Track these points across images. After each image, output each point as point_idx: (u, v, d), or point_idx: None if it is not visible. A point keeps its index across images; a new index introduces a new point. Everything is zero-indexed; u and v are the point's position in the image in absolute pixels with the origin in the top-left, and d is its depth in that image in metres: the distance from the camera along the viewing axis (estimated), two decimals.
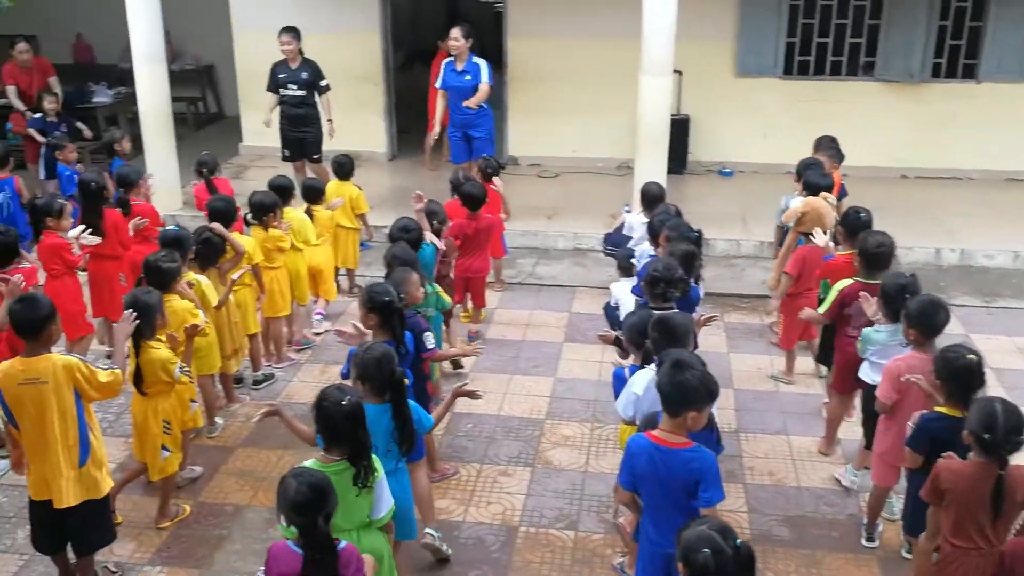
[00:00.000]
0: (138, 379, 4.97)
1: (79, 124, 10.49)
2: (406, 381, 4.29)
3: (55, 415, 4.30)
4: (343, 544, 3.48)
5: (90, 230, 6.46)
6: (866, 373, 5.28)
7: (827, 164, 7.27)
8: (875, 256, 5.42)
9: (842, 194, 7.34)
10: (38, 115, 10.18)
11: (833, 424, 5.90)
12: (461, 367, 6.88)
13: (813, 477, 5.70)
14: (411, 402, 4.42)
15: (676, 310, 4.98)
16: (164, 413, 5.07)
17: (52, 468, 4.37)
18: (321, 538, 3.35)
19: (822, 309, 5.62)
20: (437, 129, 9.39)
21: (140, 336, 4.91)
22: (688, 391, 3.70)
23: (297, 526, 3.36)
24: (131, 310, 4.82)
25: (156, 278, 5.38)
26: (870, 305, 5.14)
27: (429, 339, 5.13)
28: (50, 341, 4.39)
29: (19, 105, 10.54)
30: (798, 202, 6.77)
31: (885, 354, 5.06)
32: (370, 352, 4.18)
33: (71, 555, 4.67)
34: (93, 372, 4.36)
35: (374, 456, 3.88)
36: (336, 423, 3.73)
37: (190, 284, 5.71)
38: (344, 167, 8.21)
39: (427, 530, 4.87)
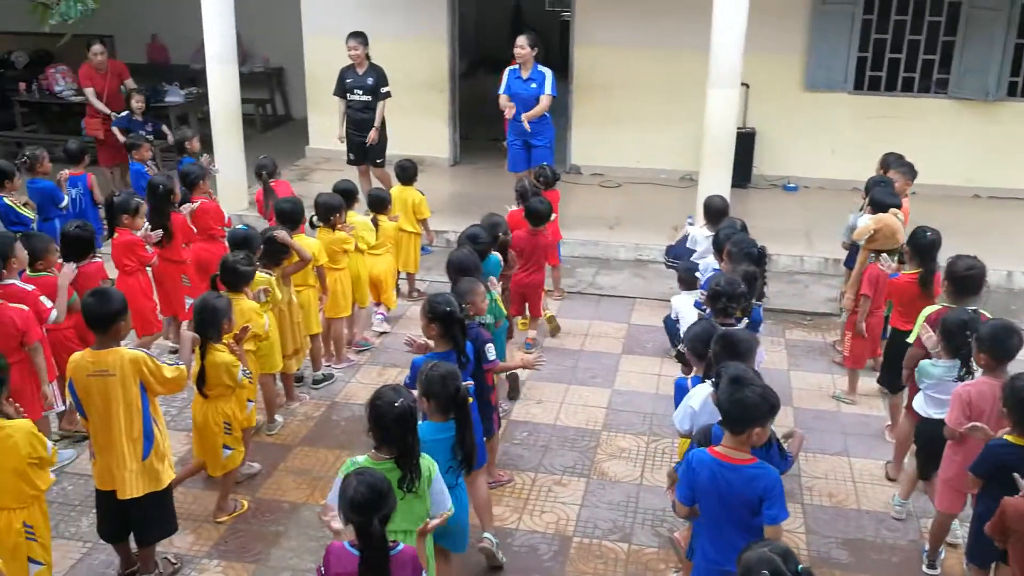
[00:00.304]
0: (201, 380, 5.06)
1: (163, 127, 10.58)
2: (471, 399, 4.30)
3: (120, 407, 4.39)
4: (400, 547, 3.50)
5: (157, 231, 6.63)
6: (920, 406, 5.18)
7: (899, 182, 7.13)
8: (964, 280, 5.26)
9: None
10: (124, 113, 10.32)
11: (902, 448, 5.78)
12: (517, 393, 6.77)
13: (874, 500, 5.59)
14: (477, 423, 4.45)
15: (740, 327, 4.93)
16: (223, 415, 5.15)
17: (116, 459, 4.47)
18: (376, 539, 3.37)
19: (911, 339, 5.47)
20: (509, 105, 9.16)
21: (207, 339, 5.00)
22: (750, 408, 3.67)
23: (354, 525, 3.38)
24: (200, 314, 4.95)
25: (230, 278, 5.49)
26: (930, 338, 5.04)
27: (491, 350, 5.12)
28: (119, 335, 4.50)
29: (102, 107, 10.62)
30: (867, 219, 6.65)
31: (941, 388, 4.97)
32: (435, 369, 4.17)
33: (133, 545, 4.76)
34: (159, 367, 4.45)
35: (426, 458, 3.89)
36: (386, 423, 3.75)
37: (266, 291, 5.78)
38: (407, 171, 8.28)
39: (486, 534, 4.89)
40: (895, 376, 6.10)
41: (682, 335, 6.93)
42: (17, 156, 7.96)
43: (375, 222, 7.43)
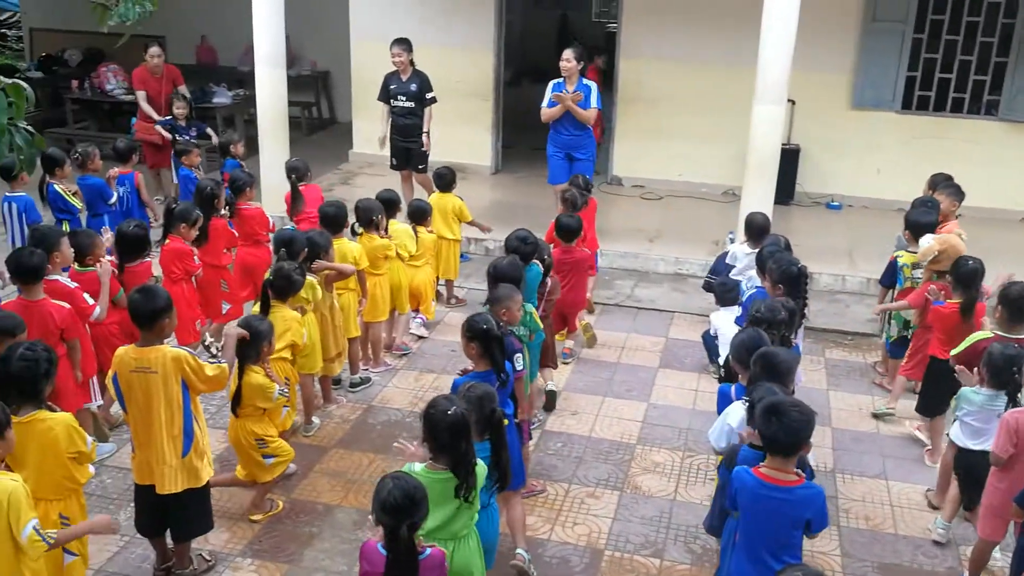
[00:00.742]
0: (236, 400, 5.11)
1: (208, 129, 10.68)
2: (506, 422, 4.31)
3: (161, 404, 4.45)
4: (428, 551, 3.51)
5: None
6: (956, 435, 5.12)
7: (946, 203, 7.04)
8: (1019, 304, 5.22)
9: None
10: (168, 118, 10.38)
11: (946, 476, 5.68)
12: (552, 405, 6.74)
13: (912, 525, 5.51)
14: (513, 445, 4.45)
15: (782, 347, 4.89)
16: (254, 433, 5.18)
17: (156, 454, 4.53)
18: (403, 543, 3.38)
19: (953, 352, 5.43)
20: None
21: (245, 359, 5.04)
22: (798, 432, 3.73)
23: (383, 527, 3.41)
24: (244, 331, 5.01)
25: (283, 284, 5.54)
26: (970, 377, 4.99)
27: (519, 360, 5.08)
28: (163, 333, 4.56)
29: (151, 112, 10.56)
30: (931, 239, 6.55)
31: (980, 417, 4.90)
32: (472, 391, 4.18)
33: (169, 541, 4.82)
34: (201, 366, 4.50)
35: (482, 464, 3.90)
36: (439, 432, 3.77)
37: (302, 310, 5.82)
38: (444, 179, 8.29)
39: (519, 551, 4.88)
40: (933, 403, 6.05)
41: (721, 351, 6.95)
42: (69, 152, 8.11)
43: (414, 232, 7.47)
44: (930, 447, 6.21)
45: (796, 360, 4.69)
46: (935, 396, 6.05)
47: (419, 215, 7.62)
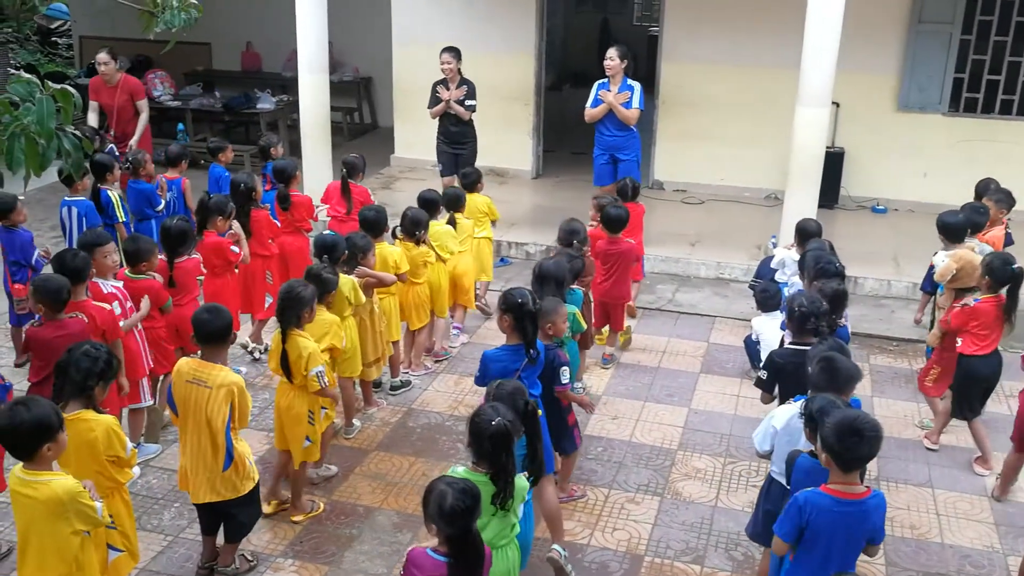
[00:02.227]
0: (284, 365, 5.12)
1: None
2: (540, 412, 4.31)
3: (208, 419, 4.53)
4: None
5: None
6: None
7: (993, 210, 6.91)
8: None
9: (1007, 242, 6.97)
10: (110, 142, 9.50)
11: (1010, 473, 5.69)
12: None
13: (959, 535, 5.42)
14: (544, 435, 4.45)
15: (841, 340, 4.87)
16: (310, 403, 5.23)
17: (193, 464, 4.64)
18: (474, 545, 3.41)
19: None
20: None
21: (287, 323, 5.08)
22: (874, 450, 3.78)
23: (450, 534, 3.39)
24: (283, 299, 5.06)
25: (315, 285, 5.54)
26: None
27: (564, 374, 5.07)
28: (225, 349, 4.69)
29: (92, 123, 9.53)
30: (944, 257, 6.42)
31: None
32: (502, 388, 4.20)
33: (220, 539, 4.89)
34: (245, 403, 4.61)
35: (521, 477, 3.92)
36: (481, 440, 3.79)
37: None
38: (469, 177, 8.20)
39: (555, 547, 4.87)
40: (969, 404, 6.00)
41: (762, 357, 6.89)
42: (115, 157, 8.26)
43: (452, 221, 7.49)
44: (980, 454, 6.10)
45: (860, 372, 4.61)
46: (970, 396, 5.99)
47: (455, 202, 7.62)
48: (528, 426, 4.17)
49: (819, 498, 3.76)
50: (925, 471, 6.06)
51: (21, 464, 3.79)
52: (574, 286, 6.11)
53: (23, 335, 5.65)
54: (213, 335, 4.59)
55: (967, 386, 6.02)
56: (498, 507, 3.79)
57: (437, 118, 9.59)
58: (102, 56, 9.54)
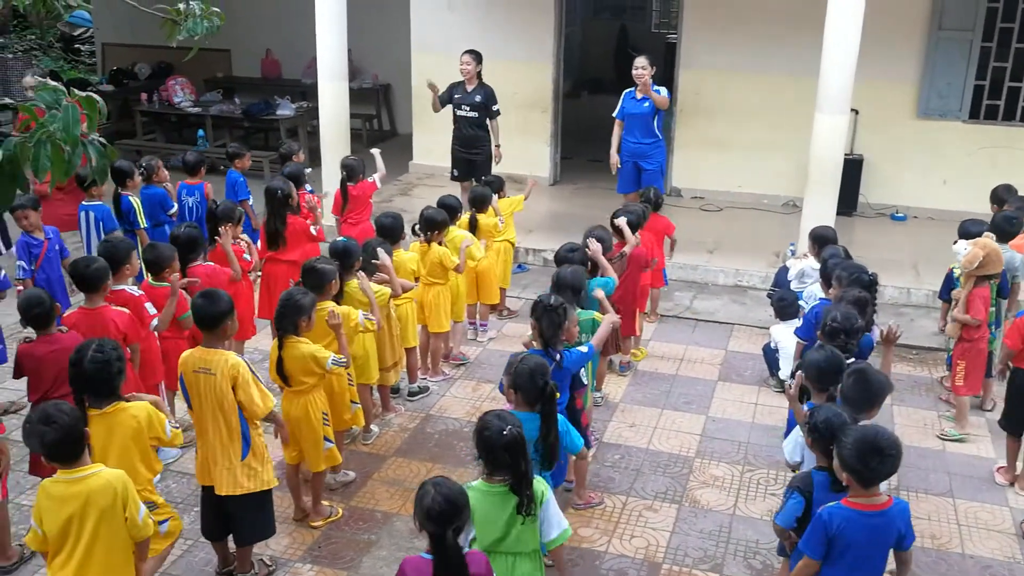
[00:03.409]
0: (280, 371, 5.11)
1: None
2: (558, 395, 4.32)
3: (219, 406, 4.55)
4: (467, 548, 3.53)
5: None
6: None
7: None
8: None
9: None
10: None
11: None
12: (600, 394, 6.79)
13: (980, 545, 5.38)
14: (562, 418, 4.45)
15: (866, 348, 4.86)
16: (323, 405, 5.24)
17: (212, 455, 4.64)
18: (451, 549, 3.39)
19: None
20: (617, 159, 9.32)
21: (284, 331, 5.06)
22: (890, 471, 3.78)
23: (428, 534, 3.41)
24: (282, 306, 5.05)
25: (313, 279, 5.51)
26: None
27: (581, 375, 5.12)
28: (225, 335, 4.70)
29: None
30: (965, 245, 6.38)
31: None
32: (524, 363, 4.26)
33: (231, 545, 4.90)
34: (251, 383, 4.57)
35: (539, 479, 3.90)
36: (495, 452, 3.77)
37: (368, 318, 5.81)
38: (494, 185, 8.16)
39: None
40: (1016, 419, 5.89)
41: (781, 365, 6.87)
42: (136, 164, 8.33)
43: (474, 219, 7.49)
44: (1003, 464, 6.05)
45: (891, 386, 4.60)
46: (1016, 411, 5.91)
47: (480, 202, 7.65)
48: (545, 407, 4.21)
49: (843, 511, 3.76)
50: (946, 481, 6.02)
51: (58, 474, 3.79)
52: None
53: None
54: (210, 320, 4.59)
55: (1018, 400, 5.87)
56: (525, 515, 3.77)
57: (453, 122, 9.64)
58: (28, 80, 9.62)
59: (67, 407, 3.79)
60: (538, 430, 4.25)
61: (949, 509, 5.72)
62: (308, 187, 8.08)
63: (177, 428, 4.45)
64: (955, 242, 6.61)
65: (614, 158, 9.33)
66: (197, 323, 4.68)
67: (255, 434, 4.68)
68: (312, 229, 7.21)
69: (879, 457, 3.66)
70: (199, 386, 4.57)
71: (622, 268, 6.79)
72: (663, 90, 9.07)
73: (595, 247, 6.20)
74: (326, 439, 5.26)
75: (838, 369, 4.57)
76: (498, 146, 9.64)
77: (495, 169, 9.69)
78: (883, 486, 4.27)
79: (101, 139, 2.78)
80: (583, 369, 5.21)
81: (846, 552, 3.76)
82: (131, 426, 4.19)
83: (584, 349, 5.10)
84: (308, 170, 8.39)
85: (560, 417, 4.44)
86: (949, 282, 6.79)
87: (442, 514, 3.36)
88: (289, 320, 5.04)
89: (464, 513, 3.43)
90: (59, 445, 3.70)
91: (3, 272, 6.74)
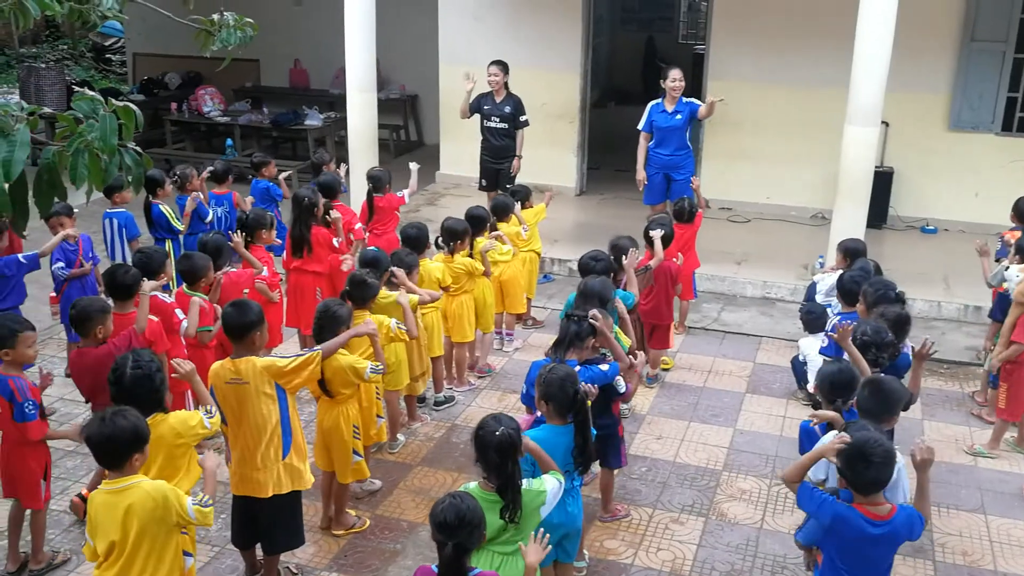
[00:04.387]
0: (323, 383, 5.15)
1: None
2: (589, 401, 4.31)
3: (256, 413, 4.57)
4: (476, 571, 3.52)
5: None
6: None
7: None
8: None
9: None
10: None
11: None
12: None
13: (1012, 563, 5.30)
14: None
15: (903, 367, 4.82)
16: (355, 418, 5.26)
17: (251, 462, 4.65)
18: (447, 562, 3.39)
19: None
20: (644, 175, 9.31)
21: (322, 342, 5.04)
22: (879, 481, 3.77)
23: (436, 543, 3.43)
24: (319, 319, 5.08)
25: (358, 292, 5.59)
26: None
27: (620, 383, 5.08)
28: (255, 345, 4.69)
29: None
30: (1016, 272, 6.30)
31: None
32: (554, 373, 4.26)
33: (259, 553, 4.91)
34: (283, 364, 4.58)
35: (530, 492, 3.87)
36: (486, 452, 3.78)
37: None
38: (519, 194, 8.19)
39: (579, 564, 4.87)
40: None
41: (810, 378, 6.82)
42: (168, 172, 8.41)
43: (495, 229, 7.49)
44: None
45: (908, 393, 4.57)
46: None
47: (501, 211, 7.66)
48: (577, 415, 4.20)
49: (845, 508, 3.77)
50: (977, 497, 5.94)
51: (103, 484, 3.83)
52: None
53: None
54: (238, 329, 4.61)
55: None
56: (507, 521, 3.76)
57: (481, 133, 9.66)
58: None
59: (132, 414, 3.82)
60: (573, 441, 4.24)
61: (981, 525, 5.65)
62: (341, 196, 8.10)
63: (214, 416, 4.41)
64: (1007, 267, 6.52)
65: (641, 174, 9.29)
66: (227, 333, 4.70)
67: (297, 432, 4.68)
68: (335, 241, 7.24)
69: (865, 463, 3.67)
70: (233, 397, 4.59)
71: (648, 281, 6.77)
72: (696, 101, 9.07)
73: (631, 258, 6.19)
74: (355, 452, 5.28)
75: (849, 382, 4.55)
76: (519, 157, 9.62)
77: (522, 177, 9.70)
78: (900, 496, 4.26)
79: (137, 148, 2.81)
80: (620, 379, 5.13)
81: (848, 554, 3.77)
82: (173, 434, 4.21)
83: (605, 368, 5.01)
84: (343, 179, 8.41)
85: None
86: (1003, 302, 6.63)
87: (447, 527, 3.37)
88: (328, 331, 5.04)
89: (474, 533, 3.42)
90: (108, 443, 3.72)
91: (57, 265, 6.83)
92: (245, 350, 4.64)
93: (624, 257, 6.28)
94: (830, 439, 4.41)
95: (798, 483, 3.96)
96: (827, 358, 5.88)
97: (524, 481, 3.87)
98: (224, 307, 4.85)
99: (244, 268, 6.58)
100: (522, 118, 9.53)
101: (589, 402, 4.36)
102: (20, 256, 6.53)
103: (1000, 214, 9.28)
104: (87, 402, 5.35)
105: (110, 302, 5.44)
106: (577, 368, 4.84)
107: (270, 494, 4.65)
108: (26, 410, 4.74)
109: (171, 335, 5.66)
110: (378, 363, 5.17)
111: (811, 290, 7.39)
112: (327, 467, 5.40)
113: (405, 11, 13.25)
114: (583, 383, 4.62)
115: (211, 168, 8.65)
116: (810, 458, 3.99)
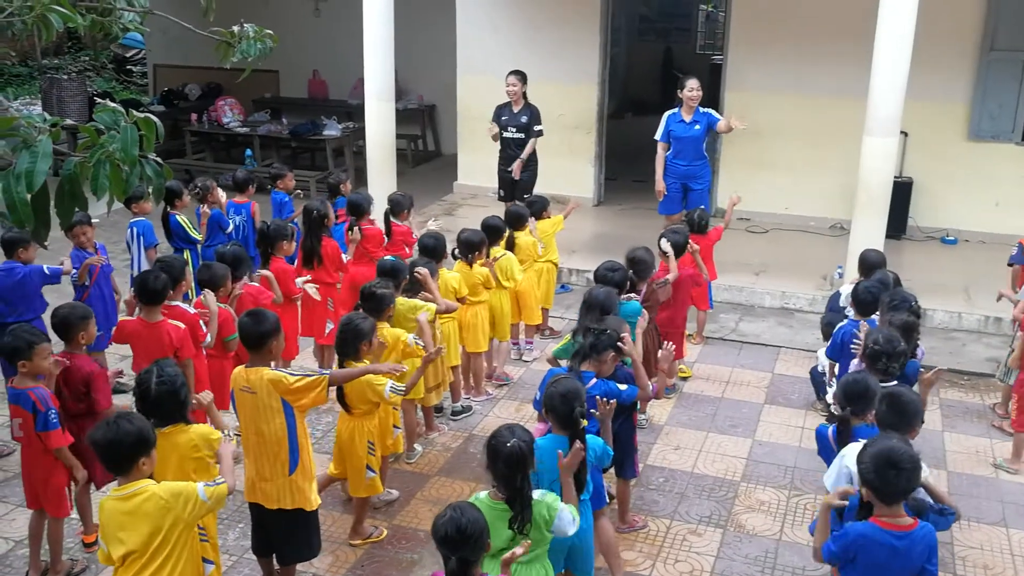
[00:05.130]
0: (341, 396, 5.18)
1: None
2: (585, 422, 4.21)
3: (265, 423, 4.57)
4: None
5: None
6: None
7: None
8: None
9: None
10: None
11: None
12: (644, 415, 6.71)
13: None
14: (591, 438, 4.37)
15: (902, 386, 4.76)
16: (369, 434, 5.27)
17: (259, 471, 4.66)
18: (449, 574, 3.38)
19: None
20: (663, 185, 9.30)
21: (345, 356, 5.11)
22: (904, 489, 3.70)
23: (441, 555, 3.41)
24: (342, 332, 5.10)
25: (372, 304, 5.61)
26: None
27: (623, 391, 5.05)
28: (270, 355, 4.70)
29: None
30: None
31: None
32: (557, 385, 4.23)
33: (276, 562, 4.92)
34: (291, 380, 4.55)
35: (542, 504, 3.84)
36: (497, 463, 3.76)
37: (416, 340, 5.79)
38: (535, 205, 8.12)
39: None
40: None
41: (828, 389, 6.78)
42: (188, 183, 8.47)
43: (511, 238, 7.50)
44: None
45: (924, 404, 4.54)
46: None
47: (517, 220, 7.66)
48: (574, 434, 4.14)
49: (866, 525, 3.73)
50: (999, 509, 5.89)
51: (111, 491, 3.85)
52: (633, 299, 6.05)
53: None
54: (255, 338, 4.62)
55: None
56: (516, 531, 3.73)
57: (499, 143, 9.67)
58: None
59: (138, 418, 3.84)
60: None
61: (1003, 539, 5.59)
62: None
63: (235, 436, 4.43)
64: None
65: (660, 184, 9.29)
66: (243, 342, 4.72)
67: (304, 450, 4.68)
68: (344, 257, 7.30)
69: (895, 470, 3.63)
70: (245, 405, 4.61)
71: (666, 294, 6.74)
72: (715, 117, 9.06)
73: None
74: (369, 468, 5.28)
75: (864, 392, 4.53)
76: (521, 160, 9.55)
77: (539, 187, 9.71)
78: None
79: (158, 159, 2.83)
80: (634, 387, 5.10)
81: (869, 571, 3.72)
82: (189, 445, 4.23)
83: (623, 387, 4.95)
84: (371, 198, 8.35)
85: (592, 439, 4.36)
86: None
87: (447, 540, 3.34)
88: (351, 345, 5.07)
89: (476, 547, 3.38)
90: (114, 447, 3.73)
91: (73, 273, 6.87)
92: (261, 359, 4.65)
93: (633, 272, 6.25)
94: (854, 449, 4.40)
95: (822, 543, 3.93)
96: (830, 359, 5.93)
97: (536, 492, 3.85)
98: (241, 316, 4.87)
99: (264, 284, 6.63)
100: (536, 127, 9.53)
101: (585, 421, 4.27)
102: (45, 267, 6.58)
103: (1020, 224, 9.26)
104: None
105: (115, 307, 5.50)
106: (593, 381, 4.85)
107: (275, 507, 4.67)
108: (50, 418, 4.78)
109: (196, 346, 5.71)
110: (401, 383, 5.11)
111: (833, 300, 7.34)
112: (342, 475, 5.41)
113: (423, 21, 13.32)
114: (599, 395, 4.61)
115: (232, 176, 8.71)
116: (822, 519, 3.96)
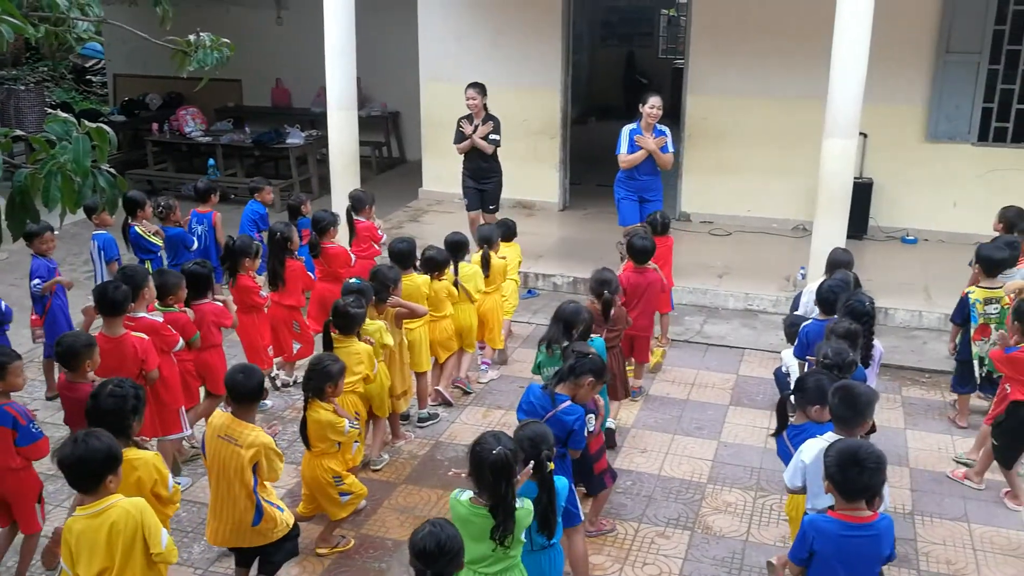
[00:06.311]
0: (303, 433, 5.17)
1: None
2: (551, 466, 4.09)
3: (235, 475, 4.57)
4: None
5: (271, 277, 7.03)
6: None
7: None
8: None
9: None
10: None
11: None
12: (613, 443, 6.57)
13: (996, 571, 5.31)
14: (564, 486, 4.27)
15: (859, 381, 4.82)
16: (331, 471, 5.22)
17: (220, 514, 4.68)
18: None
19: None
20: (639, 153, 8.94)
21: (310, 393, 5.11)
22: (869, 487, 3.75)
23: (415, 570, 3.40)
24: (311, 370, 5.12)
25: (343, 322, 5.61)
26: None
27: (591, 421, 4.94)
28: (255, 410, 4.74)
29: None
30: (1016, 275, 6.35)
31: None
32: (524, 430, 4.13)
33: (253, 571, 4.90)
34: (274, 463, 4.63)
35: (523, 511, 3.82)
36: (481, 469, 3.74)
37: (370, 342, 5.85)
38: (508, 227, 8.13)
39: None
40: (1012, 451, 5.86)
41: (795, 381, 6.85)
42: (149, 194, 8.40)
43: (486, 258, 7.49)
44: (1008, 489, 6.00)
45: (876, 395, 4.61)
46: (1015, 444, 5.86)
47: (489, 241, 7.65)
48: (540, 479, 4.01)
49: (825, 523, 3.79)
50: (960, 505, 5.96)
51: (77, 511, 3.80)
52: (596, 336, 5.94)
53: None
54: (245, 395, 4.62)
55: (1012, 434, 5.82)
56: (497, 542, 3.72)
57: (463, 153, 9.64)
58: None
59: (105, 435, 3.81)
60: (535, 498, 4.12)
61: (964, 534, 5.66)
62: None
63: (179, 485, 4.42)
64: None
65: (637, 154, 8.90)
66: (232, 396, 4.66)
67: (265, 503, 4.67)
68: (312, 275, 7.32)
69: (857, 468, 3.70)
70: (221, 452, 4.58)
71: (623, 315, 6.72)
72: (670, 142, 8.92)
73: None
74: (342, 494, 5.25)
75: (819, 388, 4.65)
76: (471, 138, 9.41)
77: (505, 194, 9.70)
78: (888, 505, 4.28)
79: (111, 170, 2.80)
80: (591, 417, 4.97)
81: (828, 563, 3.77)
82: (132, 478, 4.17)
83: (591, 429, 4.91)
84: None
85: (562, 485, 4.21)
86: (964, 305, 6.72)
87: (426, 555, 3.33)
88: (316, 384, 5.08)
89: (453, 562, 3.37)
90: (82, 465, 3.70)
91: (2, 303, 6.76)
92: (246, 413, 4.64)
93: (607, 293, 6.25)
94: (813, 446, 4.45)
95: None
96: (799, 359, 5.98)
97: (518, 500, 3.82)
98: (230, 371, 4.76)
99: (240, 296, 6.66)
100: (493, 136, 9.44)
101: (551, 465, 4.12)
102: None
103: (978, 223, 9.38)
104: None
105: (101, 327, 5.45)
106: (566, 403, 4.77)
107: (236, 545, 4.73)
108: (32, 430, 4.77)
109: (163, 355, 5.67)
110: (356, 419, 5.21)
111: (796, 301, 7.41)
112: (311, 513, 5.40)
113: (386, 29, 13.31)
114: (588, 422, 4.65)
115: (193, 186, 8.65)
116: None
